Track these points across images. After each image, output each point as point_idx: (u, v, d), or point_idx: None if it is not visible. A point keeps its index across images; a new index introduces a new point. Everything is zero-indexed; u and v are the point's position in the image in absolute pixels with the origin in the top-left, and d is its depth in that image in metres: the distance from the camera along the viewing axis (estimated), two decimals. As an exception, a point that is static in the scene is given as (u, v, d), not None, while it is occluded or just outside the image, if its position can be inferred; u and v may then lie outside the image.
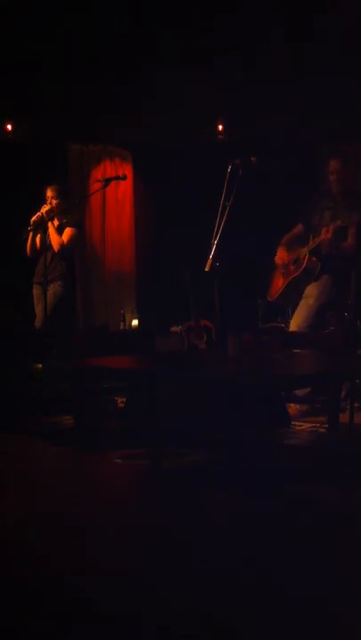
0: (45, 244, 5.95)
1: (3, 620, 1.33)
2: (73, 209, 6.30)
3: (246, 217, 5.07)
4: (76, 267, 7.12)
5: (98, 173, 8.28)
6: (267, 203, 6.95)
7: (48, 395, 4.98)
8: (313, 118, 7.11)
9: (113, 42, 5.71)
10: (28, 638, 1.27)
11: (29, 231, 6.12)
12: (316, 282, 5.20)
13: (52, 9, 5.13)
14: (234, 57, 5.88)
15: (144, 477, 2.90)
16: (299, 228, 5.50)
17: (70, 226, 6.18)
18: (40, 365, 5.30)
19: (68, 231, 6.16)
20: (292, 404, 4.87)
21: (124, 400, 4.77)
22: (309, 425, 4.57)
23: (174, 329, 7.20)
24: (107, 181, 6.00)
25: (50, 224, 6.05)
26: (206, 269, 4.51)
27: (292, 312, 5.46)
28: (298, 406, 4.90)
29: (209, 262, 4.49)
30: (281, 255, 5.48)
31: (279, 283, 5.50)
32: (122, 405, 4.80)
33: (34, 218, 6.05)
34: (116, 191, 8.38)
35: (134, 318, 8.21)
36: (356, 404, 4.56)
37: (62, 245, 6.11)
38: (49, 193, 6.22)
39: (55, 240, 6.08)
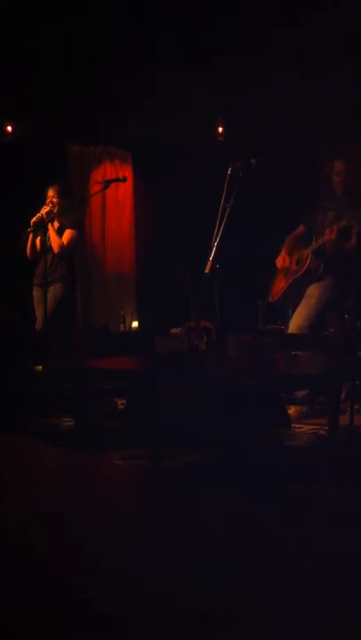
0: (45, 245, 5.94)
1: (3, 619, 1.32)
2: (73, 210, 6.29)
3: (246, 217, 5.06)
4: (76, 268, 7.11)
5: (98, 175, 8.28)
6: (267, 203, 6.95)
7: (48, 395, 4.97)
8: (313, 118, 7.11)
9: (113, 42, 5.70)
10: (28, 638, 1.27)
11: (29, 232, 6.11)
12: (318, 282, 5.20)
13: (52, 9, 5.12)
14: (234, 57, 5.88)
15: (144, 477, 2.90)
16: (300, 229, 5.49)
17: (70, 227, 6.17)
18: (40, 366, 5.30)
19: (67, 233, 6.15)
20: (292, 406, 4.86)
21: (124, 401, 4.77)
22: (309, 427, 4.56)
23: (174, 330, 7.20)
24: (107, 183, 5.99)
25: (50, 225, 6.04)
26: (206, 272, 4.50)
27: (293, 313, 5.44)
28: (298, 408, 4.89)
29: (209, 264, 4.49)
30: (283, 257, 5.47)
31: (281, 284, 5.49)
32: (122, 407, 4.80)
33: (34, 219, 6.04)
34: (116, 192, 8.37)
35: (134, 319, 8.21)
36: (357, 406, 4.55)
37: (62, 247, 6.10)
38: (50, 193, 6.21)
39: (55, 242, 6.07)
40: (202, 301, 6.72)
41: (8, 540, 1.76)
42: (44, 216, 6.00)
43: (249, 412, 3.35)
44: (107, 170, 8.37)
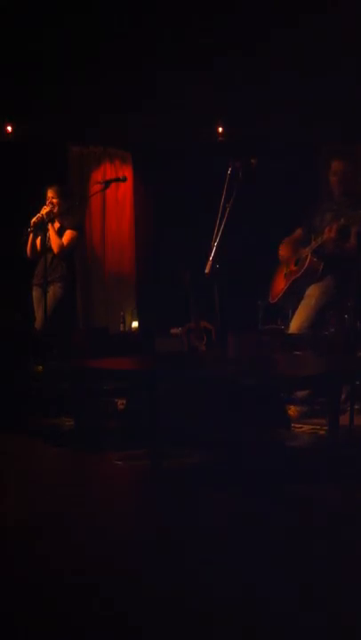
0: (45, 245, 5.94)
1: (3, 619, 1.32)
2: (73, 211, 6.30)
3: (246, 217, 5.06)
4: (76, 268, 7.11)
5: (98, 175, 8.29)
6: (267, 203, 6.95)
7: (48, 395, 4.97)
8: (313, 118, 7.11)
9: (113, 42, 5.70)
10: (28, 638, 1.27)
11: (29, 232, 6.11)
12: (318, 283, 5.19)
13: (52, 9, 5.12)
14: (234, 57, 5.88)
15: (144, 478, 2.89)
16: (298, 232, 5.49)
17: (70, 228, 6.18)
18: (40, 366, 5.30)
19: (67, 233, 6.15)
20: (291, 406, 4.86)
21: (124, 401, 4.77)
22: (309, 427, 4.56)
23: (174, 330, 7.20)
24: (107, 183, 6.00)
25: (50, 226, 6.04)
26: (206, 272, 4.50)
27: (293, 314, 5.44)
28: (298, 408, 4.89)
29: (209, 264, 4.49)
30: (284, 250, 5.47)
31: (281, 285, 5.48)
32: (122, 407, 4.80)
33: (34, 219, 6.05)
34: (116, 192, 8.37)
35: (134, 320, 8.21)
36: (357, 406, 4.55)
37: (62, 247, 6.10)
38: (49, 194, 6.21)
39: (55, 242, 6.08)
40: (202, 302, 6.72)
41: (8, 540, 1.76)
42: (44, 216, 6.00)
43: (249, 412, 3.35)
44: (107, 170, 8.38)
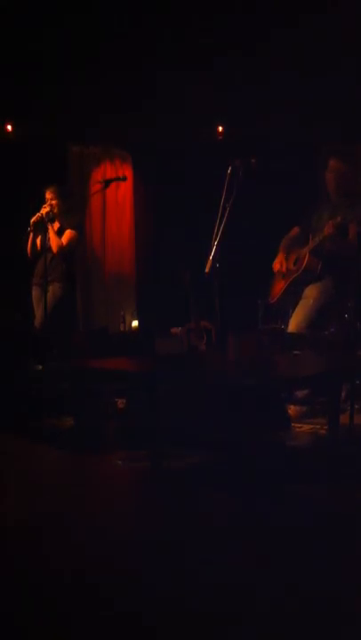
0: (45, 245, 5.94)
1: (3, 619, 1.32)
2: (73, 211, 6.30)
3: (246, 217, 5.06)
4: (76, 268, 7.11)
5: (98, 174, 8.27)
6: (267, 203, 6.94)
7: (48, 395, 4.97)
8: (313, 118, 7.10)
9: (113, 42, 5.70)
10: (28, 638, 1.27)
11: (29, 232, 6.12)
12: (316, 283, 5.19)
13: (52, 9, 5.12)
14: (234, 57, 5.88)
15: (144, 478, 2.90)
16: (295, 231, 5.49)
17: (70, 228, 6.18)
18: (40, 366, 5.30)
19: (67, 233, 6.16)
20: (292, 406, 4.86)
21: (124, 401, 4.77)
22: (310, 426, 4.57)
23: (174, 330, 7.19)
24: (107, 183, 6.00)
25: (49, 226, 6.05)
26: (206, 271, 4.51)
27: (293, 314, 5.44)
28: (298, 407, 4.89)
29: (209, 263, 4.49)
30: (279, 260, 5.48)
31: (280, 285, 5.49)
32: (122, 407, 4.80)
33: (33, 218, 6.05)
34: (116, 192, 8.36)
35: (134, 319, 8.20)
36: (357, 406, 4.55)
37: (61, 247, 6.11)
38: (48, 195, 6.22)
39: (55, 242, 6.09)
40: (202, 302, 6.72)
41: (8, 540, 1.76)
42: (44, 216, 6.01)
43: (249, 412, 3.35)
44: (107, 169, 8.36)
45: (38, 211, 6.07)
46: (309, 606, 1.35)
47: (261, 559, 1.58)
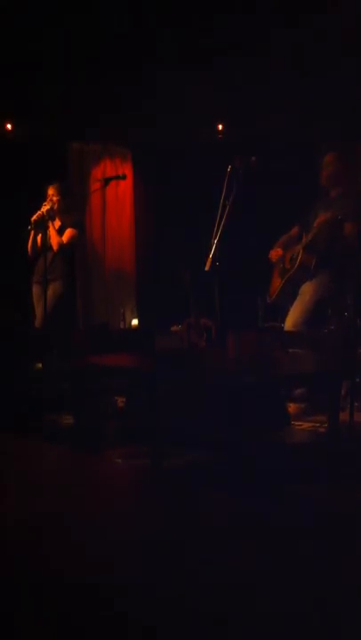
0: (45, 243, 5.94)
1: (3, 619, 1.33)
2: (74, 209, 6.30)
3: (246, 217, 5.06)
4: (76, 266, 7.11)
5: (98, 172, 8.28)
6: (267, 202, 6.95)
7: (48, 394, 4.98)
8: (313, 118, 7.10)
9: (113, 42, 5.70)
10: (28, 638, 1.27)
11: (30, 230, 6.12)
12: (312, 279, 5.18)
13: (52, 9, 5.12)
14: (234, 57, 5.88)
15: (144, 477, 2.90)
16: (295, 230, 5.49)
17: (71, 226, 6.19)
18: (40, 365, 5.30)
19: (68, 231, 6.17)
20: (291, 403, 4.87)
21: (124, 400, 4.77)
22: (309, 424, 4.57)
23: (175, 328, 7.19)
24: (107, 181, 6.01)
25: (50, 224, 6.05)
26: (206, 269, 4.51)
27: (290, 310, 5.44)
28: (298, 405, 4.89)
29: (209, 261, 4.50)
30: (276, 252, 5.48)
31: (277, 283, 5.49)
32: (122, 405, 4.80)
33: (34, 216, 6.05)
34: (116, 190, 8.37)
35: (134, 317, 8.21)
36: (356, 403, 4.55)
37: (62, 245, 6.12)
38: (50, 191, 6.22)
39: (55, 240, 6.09)
40: (202, 300, 6.72)
41: (8, 539, 1.76)
42: (45, 214, 6.01)
43: (249, 410, 3.35)
44: (107, 167, 8.37)
45: (38, 209, 6.07)
46: (309, 606, 1.35)
47: (261, 559, 1.59)
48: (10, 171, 7.12)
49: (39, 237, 6.13)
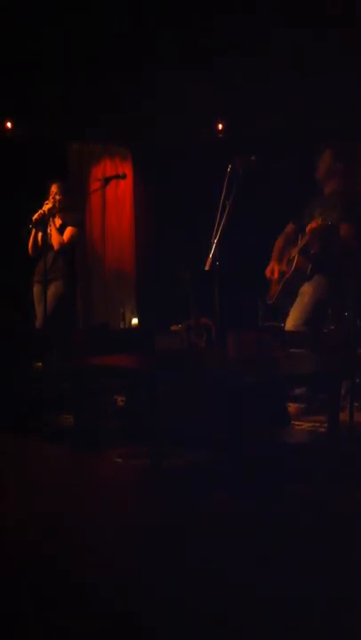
0: (46, 242, 5.95)
1: (3, 619, 1.33)
2: (74, 208, 6.30)
3: (246, 216, 5.06)
4: (77, 265, 7.12)
5: (98, 172, 8.28)
6: (267, 202, 6.95)
7: (48, 394, 4.98)
8: (313, 118, 7.10)
9: (113, 42, 5.70)
10: (29, 638, 1.27)
11: (31, 229, 6.12)
12: (310, 280, 5.17)
13: (52, 9, 5.12)
14: (234, 57, 5.87)
15: (144, 477, 2.90)
16: (290, 227, 5.47)
17: (71, 225, 6.19)
18: (40, 365, 5.30)
19: (68, 230, 6.17)
20: (291, 403, 4.87)
21: (124, 400, 4.78)
22: (309, 424, 4.57)
23: (174, 328, 7.19)
24: (107, 180, 6.01)
25: (51, 222, 6.06)
26: (206, 268, 4.51)
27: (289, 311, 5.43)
28: (298, 405, 4.89)
29: (209, 261, 4.50)
30: (271, 268, 5.46)
31: (276, 287, 5.49)
32: (122, 405, 4.80)
33: (35, 215, 6.06)
34: (116, 190, 8.37)
35: (134, 317, 8.21)
36: (356, 403, 4.56)
37: (62, 244, 6.13)
38: (53, 189, 6.23)
39: (56, 239, 6.10)
40: (202, 300, 6.72)
41: (8, 539, 1.76)
42: (46, 212, 6.02)
43: (249, 411, 3.35)
44: (107, 167, 8.37)
45: (39, 208, 6.08)
46: (309, 606, 1.35)
47: (261, 559, 1.59)
48: (10, 170, 7.12)
49: (40, 237, 6.14)
